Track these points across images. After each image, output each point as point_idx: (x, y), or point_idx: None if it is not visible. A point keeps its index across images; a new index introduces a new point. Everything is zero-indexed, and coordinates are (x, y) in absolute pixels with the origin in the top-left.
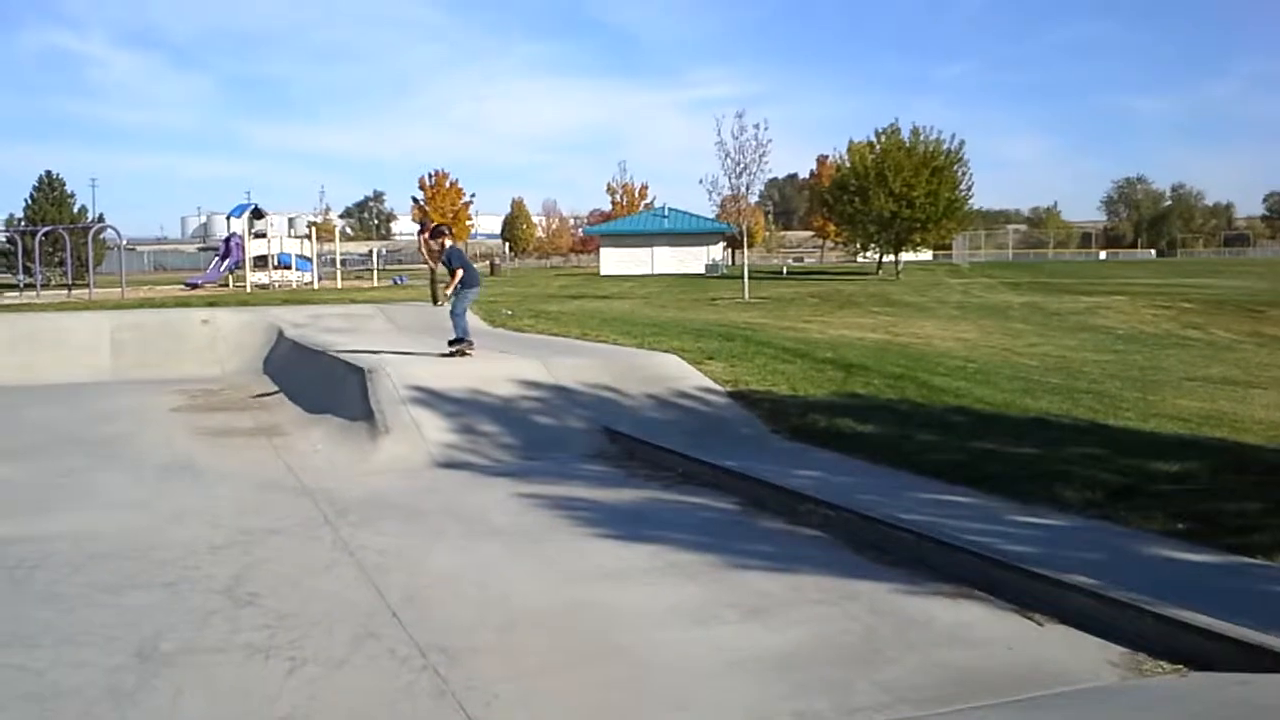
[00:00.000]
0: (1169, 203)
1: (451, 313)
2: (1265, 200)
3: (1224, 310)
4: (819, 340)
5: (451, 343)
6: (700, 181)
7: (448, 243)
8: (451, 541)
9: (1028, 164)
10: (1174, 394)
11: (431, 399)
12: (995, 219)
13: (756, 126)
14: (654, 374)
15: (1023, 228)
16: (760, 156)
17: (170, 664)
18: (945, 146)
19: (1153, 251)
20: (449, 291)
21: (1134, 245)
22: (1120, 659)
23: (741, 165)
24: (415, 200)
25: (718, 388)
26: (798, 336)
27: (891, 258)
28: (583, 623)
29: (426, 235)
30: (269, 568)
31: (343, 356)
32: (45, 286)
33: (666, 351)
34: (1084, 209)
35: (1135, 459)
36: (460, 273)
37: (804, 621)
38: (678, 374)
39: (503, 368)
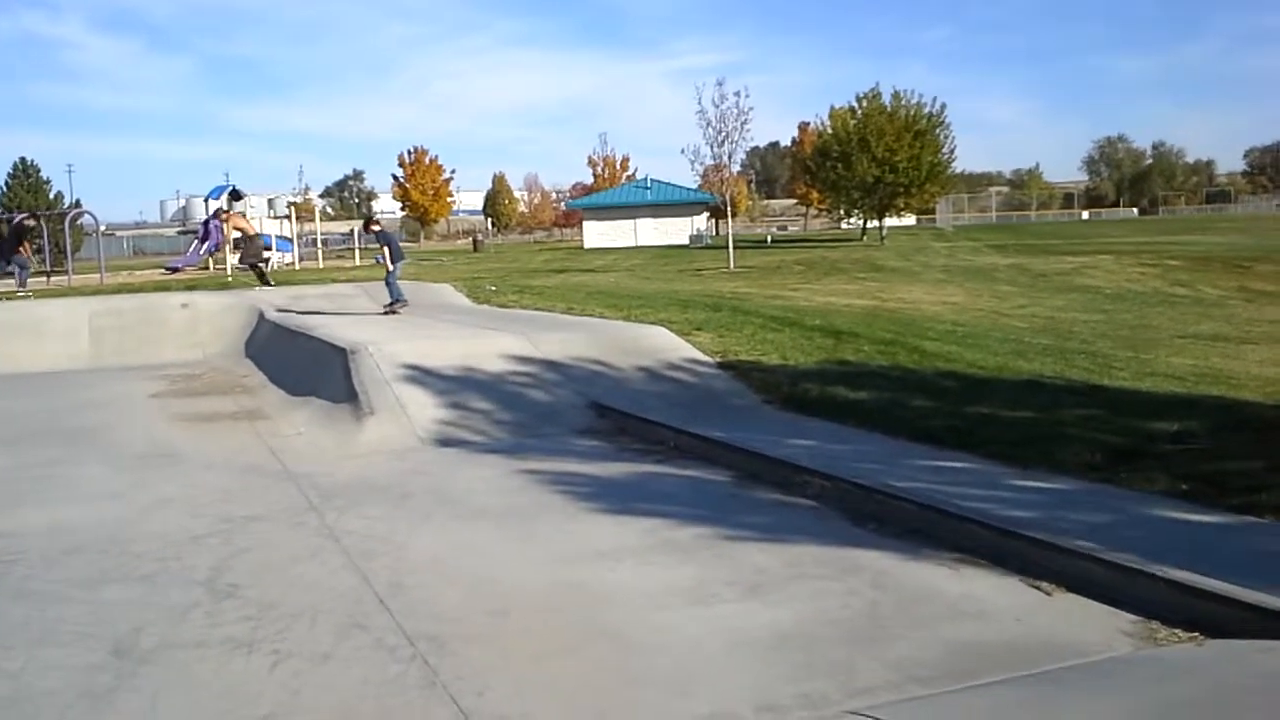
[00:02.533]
0: (1150, 161)
1: (386, 282)
2: (1245, 156)
3: (1210, 267)
4: (806, 308)
5: (386, 306)
6: (682, 151)
7: (375, 228)
8: (439, 524)
9: (1009, 126)
10: (1166, 352)
11: (417, 378)
12: (978, 182)
13: (737, 94)
14: (642, 347)
15: (1005, 190)
16: (742, 125)
17: (148, 661)
18: (926, 110)
19: (1135, 210)
20: (389, 265)
21: (1116, 204)
22: (1133, 628)
23: (723, 134)
24: (395, 178)
25: (707, 359)
26: (785, 305)
27: (875, 223)
28: (576, 605)
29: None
30: (251, 556)
31: (325, 337)
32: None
33: (654, 324)
34: (1065, 170)
35: (1133, 419)
36: (388, 250)
37: (804, 597)
38: (666, 346)
39: (488, 345)
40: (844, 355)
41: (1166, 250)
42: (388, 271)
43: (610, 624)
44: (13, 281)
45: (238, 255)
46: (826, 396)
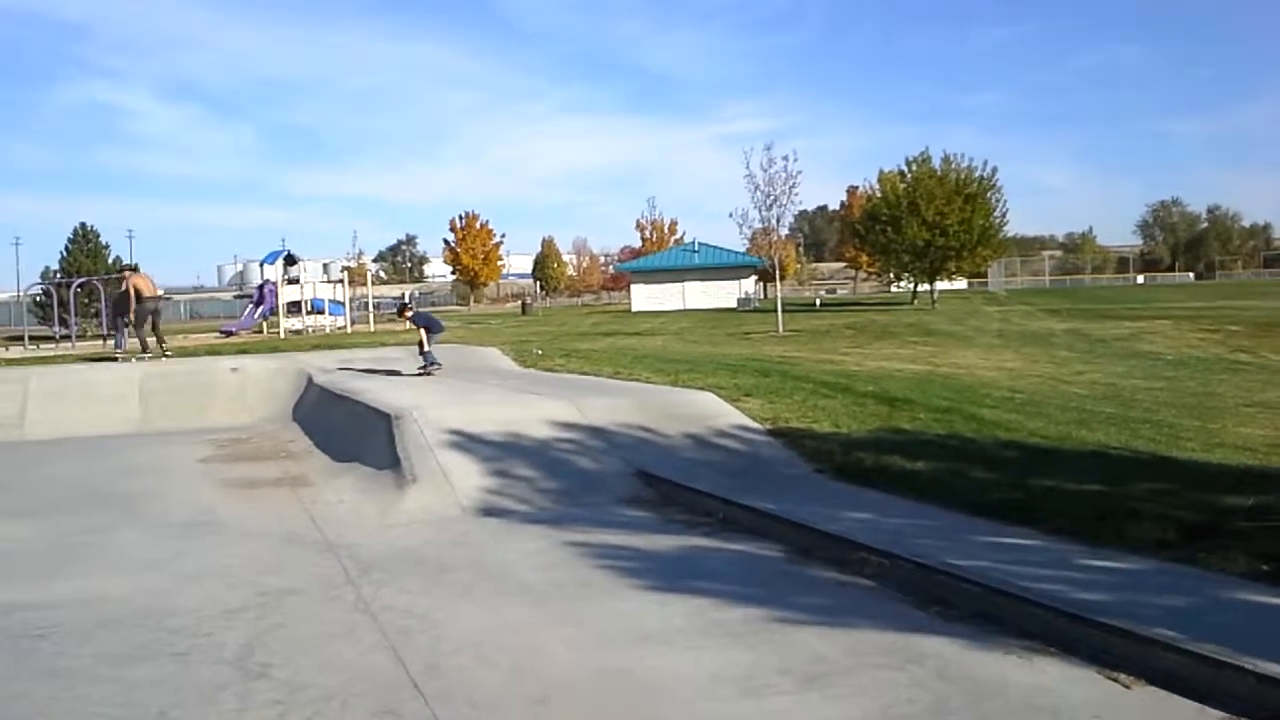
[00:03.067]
0: (1205, 225)
1: (421, 353)
2: None
3: (1273, 332)
4: (858, 373)
5: (420, 368)
6: (730, 215)
7: (409, 314)
8: (479, 601)
9: (1061, 190)
10: (1234, 421)
11: (460, 444)
12: (1030, 245)
13: (785, 158)
14: (690, 413)
15: (1058, 254)
16: (790, 188)
17: None
18: (977, 174)
19: (1190, 275)
20: (424, 342)
21: (1171, 269)
22: None
23: (771, 197)
24: (447, 242)
25: (756, 426)
26: (836, 369)
27: (926, 287)
28: (619, 695)
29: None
30: (284, 633)
31: (370, 402)
32: (80, 337)
33: (702, 389)
34: (1119, 233)
35: (1205, 493)
36: (424, 332)
37: (866, 690)
38: (714, 412)
39: (533, 410)
40: (899, 423)
41: (1226, 315)
42: (421, 344)
43: (656, 717)
44: (66, 344)
45: (123, 315)
46: (881, 466)
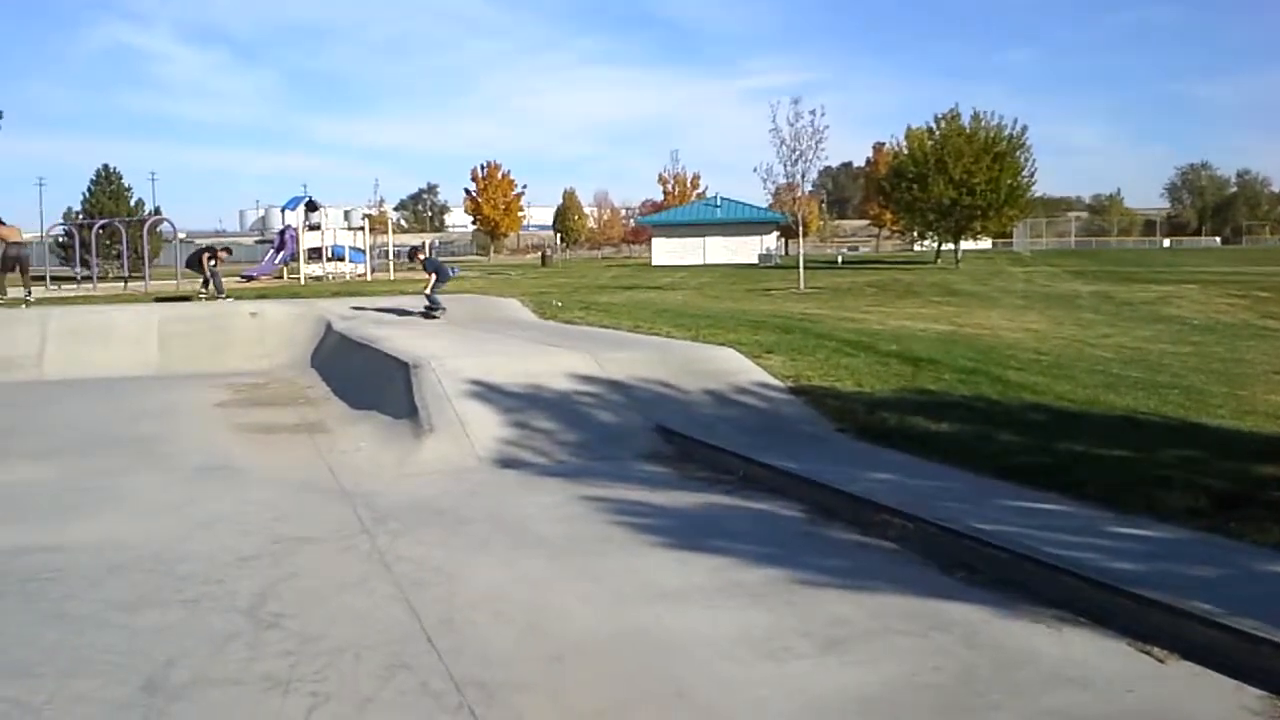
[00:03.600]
0: (1234, 189)
1: (429, 295)
2: None
3: None
4: (881, 332)
5: (427, 309)
6: (755, 170)
7: (421, 257)
8: (496, 553)
9: (1088, 151)
10: (1264, 389)
11: (479, 394)
12: (1056, 206)
13: (813, 113)
14: (710, 369)
15: (1084, 215)
16: (816, 144)
17: (179, 698)
18: (1007, 132)
19: (1218, 239)
20: (427, 290)
21: (1198, 233)
22: (1261, 705)
23: (797, 153)
24: (468, 192)
25: (778, 383)
26: (858, 328)
27: (951, 246)
28: (638, 654)
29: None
30: (298, 582)
31: (388, 350)
32: (102, 279)
33: (723, 345)
34: (1147, 196)
35: (1237, 462)
36: (434, 276)
37: (890, 656)
38: (735, 369)
39: (552, 362)
40: (923, 383)
41: (1254, 281)
42: (431, 287)
43: (673, 677)
44: (88, 285)
45: None
46: (905, 427)
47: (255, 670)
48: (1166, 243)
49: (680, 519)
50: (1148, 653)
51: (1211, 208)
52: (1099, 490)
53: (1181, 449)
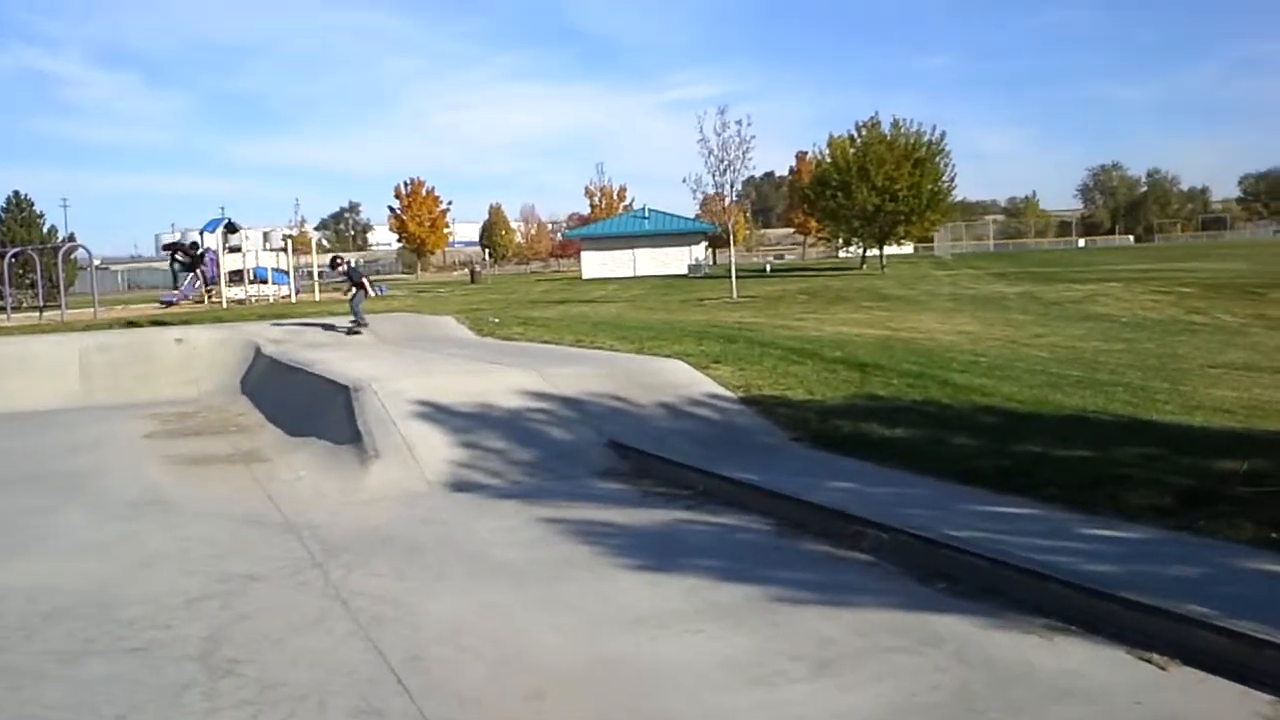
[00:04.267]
0: (1144, 188)
1: (353, 308)
2: (1240, 183)
3: (1223, 294)
4: (820, 338)
5: (352, 324)
6: (684, 180)
7: (341, 267)
8: (456, 582)
9: (1004, 155)
10: (1203, 383)
11: (424, 416)
12: (973, 210)
13: (739, 123)
14: (660, 381)
15: (1001, 218)
16: (744, 153)
17: None
18: (926, 138)
19: (1130, 238)
20: (349, 296)
21: (1111, 232)
22: (1273, 710)
23: (725, 162)
24: (391, 209)
25: (728, 394)
26: (798, 335)
27: (875, 252)
28: (620, 685)
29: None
30: (250, 625)
31: (325, 373)
32: (16, 309)
33: (669, 356)
34: (1060, 198)
35: (1195, 458)
36: (364, 284)
37: (884, 676)
38: (685, 380)
39: (498, 380)
40: (872, 389)
41: (1175, 277)
42: (353, 299)
43: (662, 711)
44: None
45: None
46: (860, 434)
47: None
48: (1081, 242)
49: (644, 537)
50: (1147, 660)
51: (1124, 207)
52: (1063, 492)
53: (1137, 447)
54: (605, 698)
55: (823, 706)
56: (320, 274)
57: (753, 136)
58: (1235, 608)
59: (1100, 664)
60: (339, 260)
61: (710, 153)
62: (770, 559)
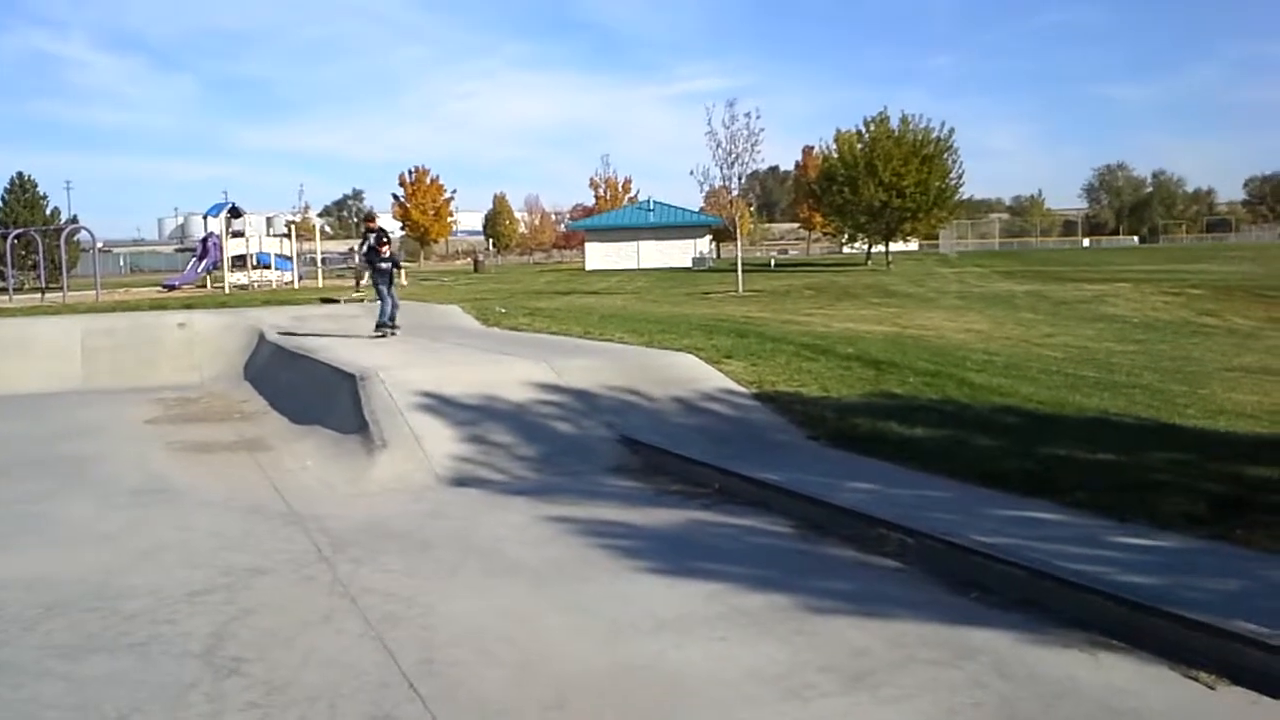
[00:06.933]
0: (1150, 189)
1: (390, 304)
2: (1245, 185)
3: (1234, 296)
4: (829, 334)
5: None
6: (691, 173)
7: (389, 249)
8: (469, 581)
9: (1009, 153)
10: (1222, 387)
11: (432, 407)
12: (977, 208)
13: (748, 115)
14: (672, 375)
15: (1006, 216)
16: (752, 146)
17: None
18: (934, 135)
19: (1135, 238)
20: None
21: (1115, 232)
22: None
23: (733, 155)
24: (395, 197)
25: (742, 389)
26: (807, 330)
27: (881, 248)
28: (645, 696)
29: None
30: (256, 620)
31: (331, 361)
32: (18, 290)
33: (680, 350)
34: (1065, 197)
35: (1224, 464)
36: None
37: (922, 690)
38: (697, 375)
39: (507, 371)
40: (888, 387)
41: (1183, 279)
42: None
43: None
44: (2, 297)
45: None
46: (879, 433)
47: None
48: (1086, 242)
49: (662, 539)
50: (1194, 678)
51: (1128, 207)
52: (1091, 497)
53: (1164, 451)
54: (629, 710)
55: None
56: (325, 261)
57: (762, 129)
58: (1276, 621)
59: (1145, 682)
60: (386, 236)
61: (718, 145)
62: (793, 563)
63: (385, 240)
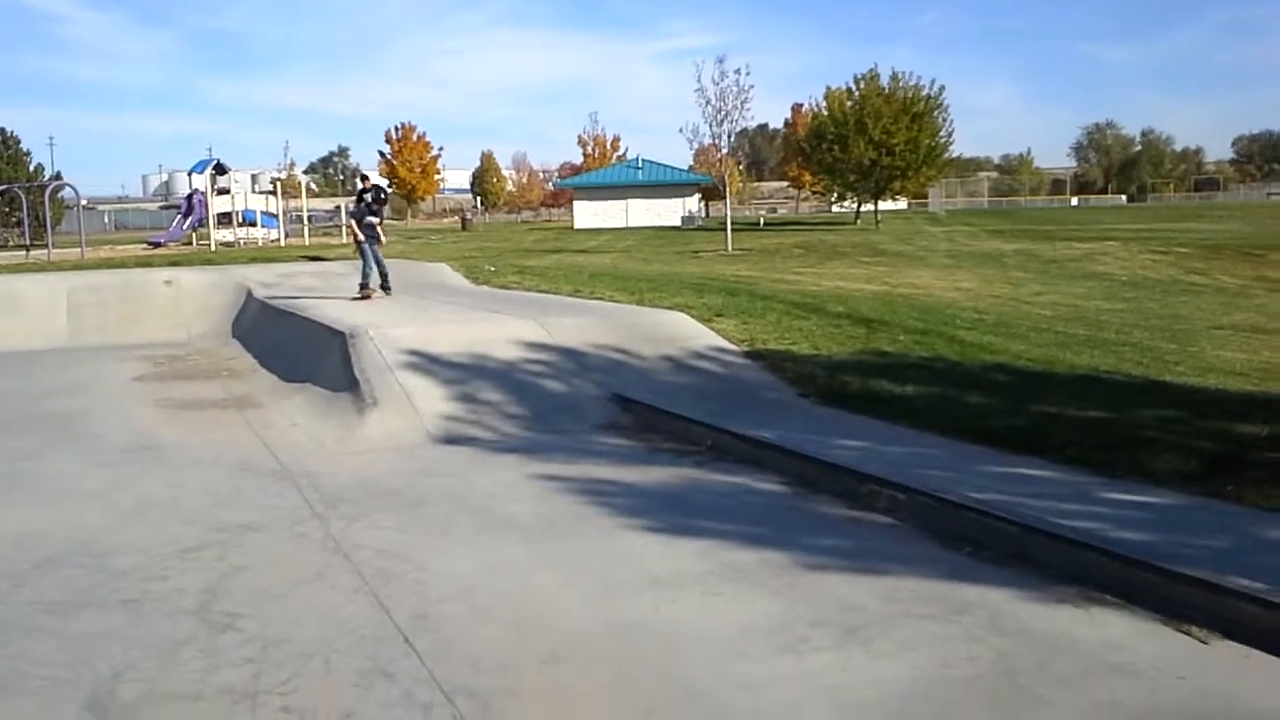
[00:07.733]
0: (1138, 148)
1: (374, 262)
2: (1234, 144)
3: (1222, 255)
4: (819, 293)
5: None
6: (680, 130)
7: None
8: (463, 538)
9: (997, 111)
10: (1210, 344)
11: (422, 365)
12: (966, 167)
13: (738, 72)
14: (663, 334)
15: (994, 175)
16: (742, 103)
17: (131, 719)
18: (925, 92)
19: (1123, 197)
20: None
21: (1104, 191)
22: None
23: (723, 112)
24: (382, 154)
25: (733, 347)
26: (797, 289)
27: (870, 207)
28: (640, 651)
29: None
30: (249, 577)
31: (320, 319)
32: (2, 248)
33: (671, 309)
34: (1054, 156)
35: (1214, 421)
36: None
37: (916, 644)
38: (689, 333)
39: (497, 329)
40: (879, 345)
41: (1172, 237)
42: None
43: (686, 678)
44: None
45: None
46: (869, 391)
47: (215, 682)
48: (1075, 201)
49: (654, 495)
50: (1186, 633)
51: (1117, 166)
52: (1082, 454)
53: (1155, 409)
54: (623, 664)
55: (853, 675)
56: (312, 219)
57: (751, 86)
58: (1275, 580)
59: (1139, 637)
60: (383, 193)
61: (708, 102)
62: (786, 519)
63: (383, 198)
